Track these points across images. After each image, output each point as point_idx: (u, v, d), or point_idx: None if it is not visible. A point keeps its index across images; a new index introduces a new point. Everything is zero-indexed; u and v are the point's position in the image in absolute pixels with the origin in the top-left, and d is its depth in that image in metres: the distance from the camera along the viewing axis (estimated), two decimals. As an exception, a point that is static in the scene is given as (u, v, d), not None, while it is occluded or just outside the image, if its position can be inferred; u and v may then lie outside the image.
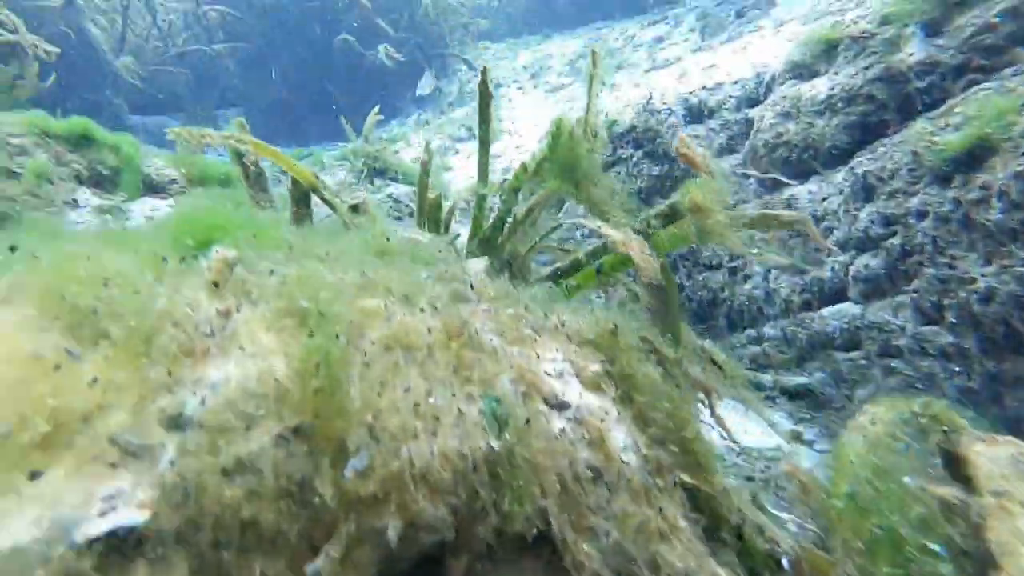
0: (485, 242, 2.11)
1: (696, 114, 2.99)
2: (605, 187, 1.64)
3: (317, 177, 2.13)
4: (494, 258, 2.06)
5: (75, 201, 2.66)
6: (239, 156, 1.98)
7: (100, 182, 2.87)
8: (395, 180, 5.01)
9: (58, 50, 4.57)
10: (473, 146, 5.60)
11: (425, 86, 6.99)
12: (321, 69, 7.71)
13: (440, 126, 6.51)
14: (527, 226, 2.00)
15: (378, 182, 4.92)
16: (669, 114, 3.05)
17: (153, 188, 3.05)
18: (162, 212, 2.83)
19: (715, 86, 2.93)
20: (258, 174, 2.36)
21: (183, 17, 7.97)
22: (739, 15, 4.40)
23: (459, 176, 5.13)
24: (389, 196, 4.56)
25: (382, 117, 5.80)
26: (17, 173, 2.57)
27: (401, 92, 7.93)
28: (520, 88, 6.13)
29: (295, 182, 2.24)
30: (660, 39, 5.18)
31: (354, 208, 2.06)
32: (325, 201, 2.09)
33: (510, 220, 2.05)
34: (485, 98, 1.93)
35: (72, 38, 6.95)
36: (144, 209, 2.84)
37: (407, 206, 4.59)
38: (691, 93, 3.02)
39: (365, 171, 4.96)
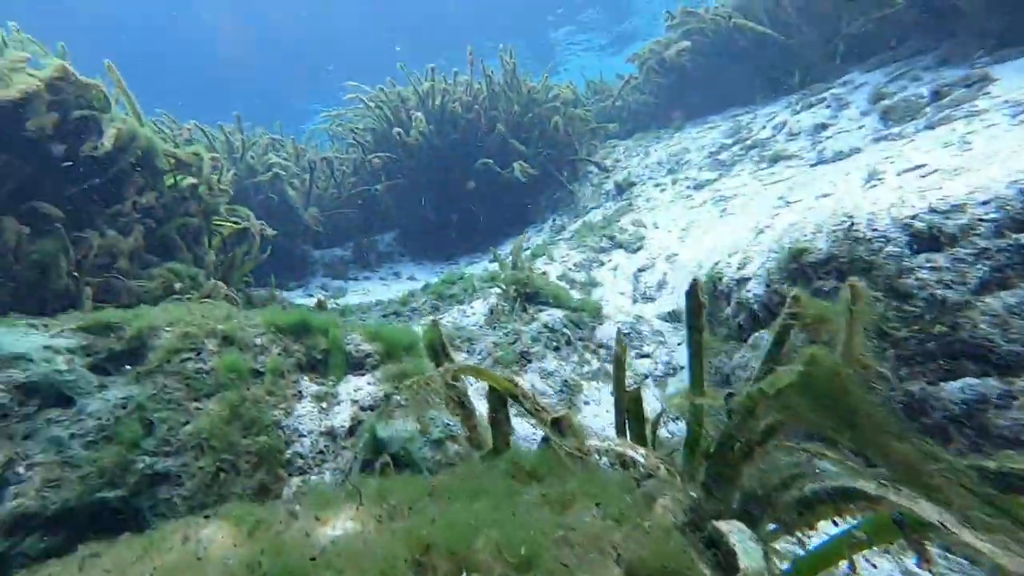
0: (711, 459, 1.83)
1: (926, 240, 2.49)
2: (901, 434, 1.29)
3: (515, 384, 2.09)
4: (729, 488, 1.77)
5: (299, 393, 3.05)
6: (453, 388, 2.04)
7: (315, 366, 3.29)
8: (546, 304, 5.06)
9: (275, 232, 5.62)
10: (619, 256, 5.48)
11: (591, 198, 7.15)
12: (463, 192, 8.47)
13: (578, 233, 6.58)
14: (769, 449, 1.71)
15: (531, 308, 5.00)
16: (884, 242, 2.59)
17: (354, 365, 3.41)
18: (364, 391, 3.12)
19: (950, 207, 2.42)
20: (455, 382, 2.45)
21: (352, 165, 9.51)
22: (935, 96, 3.71)
23: (609, 293, 5.01)
24: (545, 326, 4.58)
25: (529, 243, 6.08)
26: (260, 372, 3.05)
27: (535, 200, 8.33)
28: (658, 185, 5.97)
29: (492, 388, 2.24)
30: (823, 126, 4.63)
31: (555, 422, 1.97)
32: (526, 410, 2.03)
33: (742, 440, 1.78)
34: (696, 306, 1.75)
35: (275, 201, 8.67)
36: (349, 390, 3.15)
37: (563, 334, 4.55)
38: (914, 217, 2.55)
39: (517, 298, 5.10)
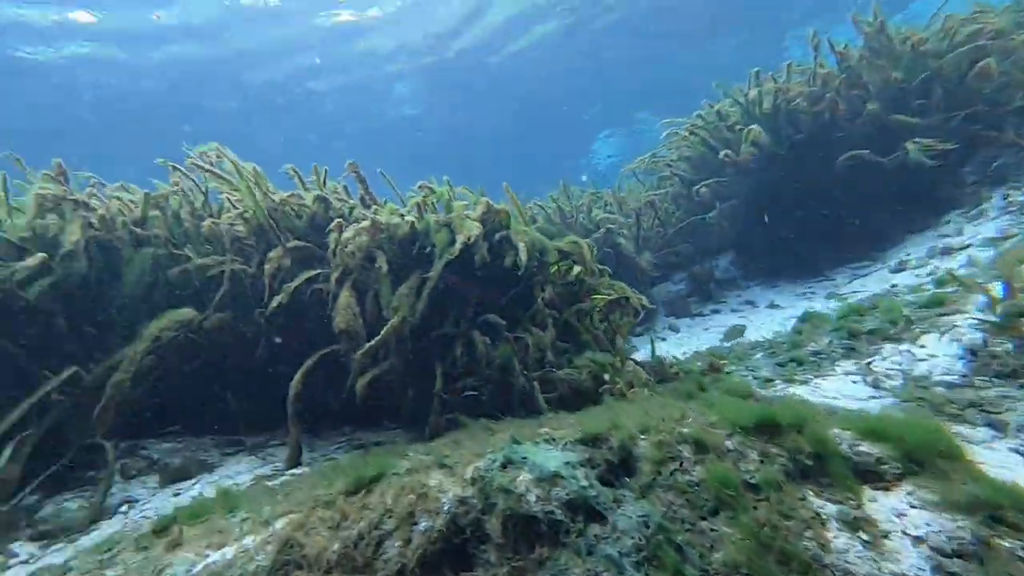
0: None
1: None
2: None
3: None
4: None
5: (817, 515, 2.55)
6: None
7: (808, 474, 2.78)
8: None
9: (652, 305, 5.62)
10: None
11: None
12: (817, 196, 6.99)
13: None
14: None
15: (1068, 351, 3.31)
16: None
17: (859, 473, 2.74)
18: (915, 519, 2.39)
19: None
20: None
21: (673, 200, 9.23)
22: None
23: None
24: None
25: (955, 239, 4.24)
26: (753, 485, 2.71)
27: (949, 178, 6.13)
28: None
29: None
30: None
31: None
32: None
33: None
34: None
35: (611, 254, 9.07)
36: (887, 515, 2.47)
37: None
38: None
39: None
